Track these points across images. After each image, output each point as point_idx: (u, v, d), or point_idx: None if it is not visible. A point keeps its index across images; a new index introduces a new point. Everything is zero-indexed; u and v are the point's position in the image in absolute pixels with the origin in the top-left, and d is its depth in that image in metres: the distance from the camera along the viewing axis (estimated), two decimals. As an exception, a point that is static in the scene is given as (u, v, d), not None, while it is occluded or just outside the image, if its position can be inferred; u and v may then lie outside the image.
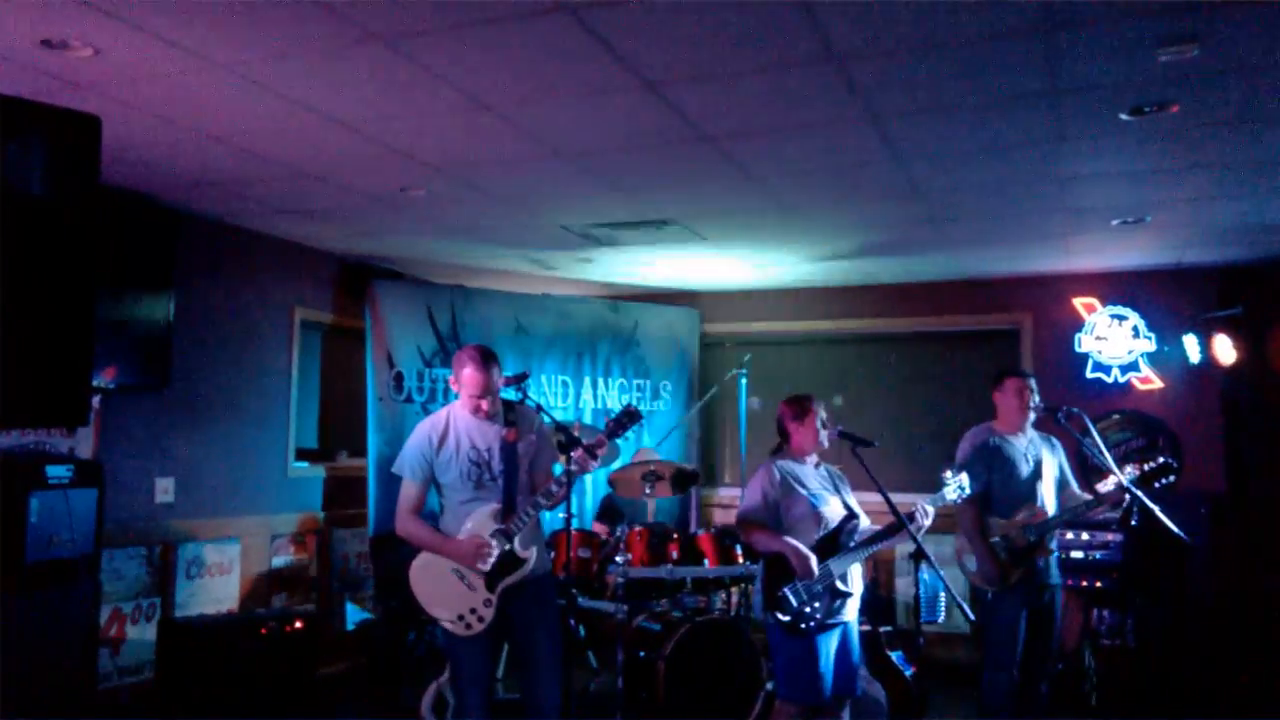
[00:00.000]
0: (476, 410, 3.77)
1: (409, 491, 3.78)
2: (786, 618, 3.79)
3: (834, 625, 3.87)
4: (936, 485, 4.05)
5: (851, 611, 3.94)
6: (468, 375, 3.73)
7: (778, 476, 3.99)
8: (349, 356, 6.69)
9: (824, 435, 4.04)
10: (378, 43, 3.15)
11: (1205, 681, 5.82)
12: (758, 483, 4.02)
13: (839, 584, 3.86)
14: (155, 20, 3.01)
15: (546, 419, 3.97)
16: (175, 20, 3.01)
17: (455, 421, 3.81)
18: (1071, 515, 4.51)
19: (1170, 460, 4.34)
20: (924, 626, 6.30)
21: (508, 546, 3.68)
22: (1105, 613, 6.00)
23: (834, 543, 3.88)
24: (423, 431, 3.81)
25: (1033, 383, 4.64)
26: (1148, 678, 5.80)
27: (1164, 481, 4.28)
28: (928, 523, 3.86)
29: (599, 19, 2.96)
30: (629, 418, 3.92)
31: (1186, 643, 5.94)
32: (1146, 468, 4.29)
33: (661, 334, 7.71)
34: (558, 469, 3.81)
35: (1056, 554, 4.59)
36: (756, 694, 4.97)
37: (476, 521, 3.72)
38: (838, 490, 4.07)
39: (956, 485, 4.01)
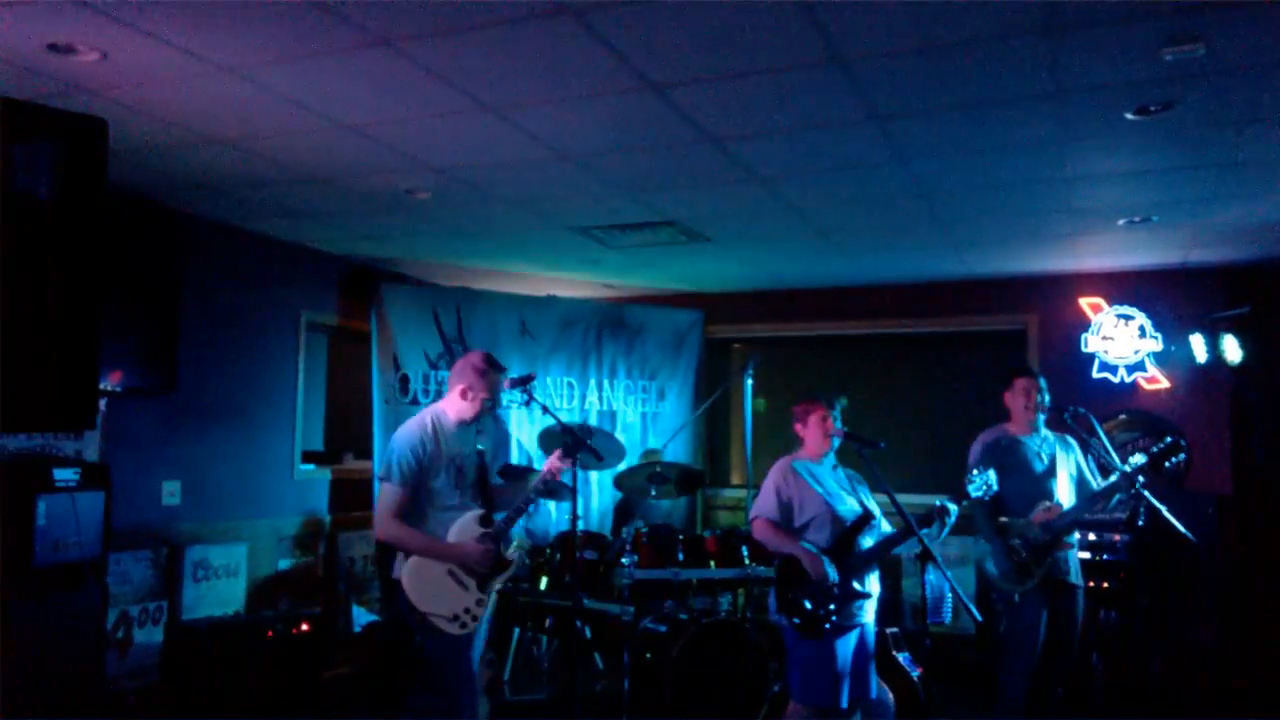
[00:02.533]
0: (476, 415, 3.82)
1: (395, 496, 3.71)
2: (799, 620, 3.77)
3: (851, 627, 3.85)
4: (953, 488, 4.02)
5: (869, 613, 3.92)
6: (491, 380, 3.81)
7: (792, 474, 3.98)
8: (355, 359, 6.70)
9: (834, 436, 4.02)
10: (382, 46, 3.16)
11: (1212, 683, 5.80)
12: (771, 481, 4.01)
13: (855, 586, 3.83)
14: (161, 24, 3.02)
15: (553, 420, 4.02)
16: (181, 24, 3.02)
17: (441, 426, 3.81)
18: (1086, 508, 4.47)
19: (1179, 439, 4.32)
20: (930, 628, 6.28)
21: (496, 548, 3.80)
22: (1112, 613, 5.97)
23: (849, 544, 3.86)
24: (413, 434, 3.76)
25: (1041, 382, 4.64)
26: (1154, 678, 5.78)
27: (1175, 460, 4.25)
28: (950, 520, 3.84)
29: (602, 21, 2.96)
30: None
31: (1193, 644, 5.92)
32: (1155, 449, 4.27)
33: (666, 336, 7.70)
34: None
35: (1075, 552, 4.56)
36: (763, 696, 4.96)
37: (462, 526, 3.75)
38: (855, 491, 4.05)
39: (982, 481, 3.97)
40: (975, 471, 3.99)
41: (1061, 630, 4.45)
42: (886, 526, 3.97)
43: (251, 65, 3.33)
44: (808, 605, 3.76)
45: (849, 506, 3.95)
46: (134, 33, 3.08)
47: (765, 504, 3.98)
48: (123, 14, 2.95)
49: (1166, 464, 4.24)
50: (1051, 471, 4.51)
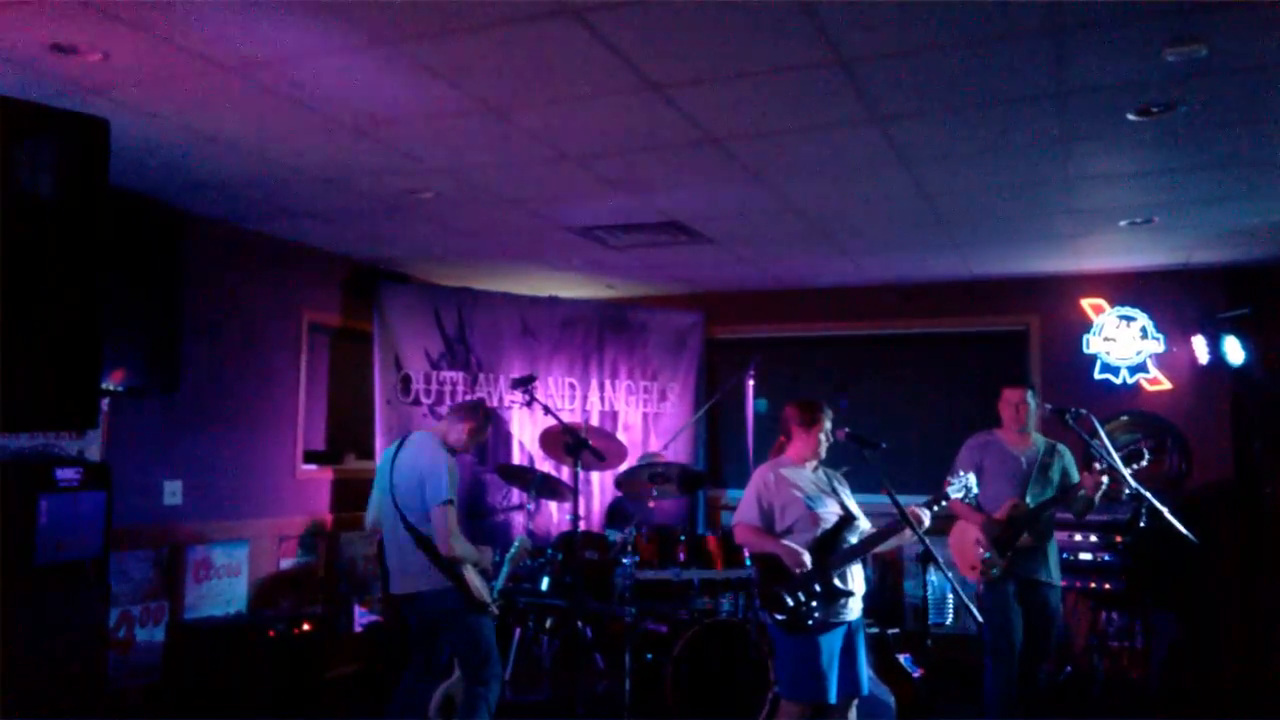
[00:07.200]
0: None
1: None
2: (782, 616, 3.79)
3: (837, 624, 3.86)
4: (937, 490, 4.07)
5: (854, 610, 3.93)
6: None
7: (773, 481, 4.00)
8: (357, 359, 6.70)
9: (824, 447, 4.05)
10: (384, 46, 3.16)
11: (1214, 683, 5.80)
12: (752, 488, 4.05)
13: (837, 582, 3.84)
14: (164, 24, 3.02)
15: (555, 420, 4.06)
16: (184, 24, 3.02)
17: None
18: (1054, 507, 4.55)
19: (1139, 447, 4.42)
20: (932, 629, 6.28)
21: None
22: (1114, 614, 5.98)
23: (831, 543, 3.88)
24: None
25: (1025, 394, 4.69)
26: (1155, 679, 5.78)
27: (1138, 466, 4.35)
28: (925, 524, 3.87)
29: (603, 21, 2.96)
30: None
31: (1195, 644, 5.92)
32: (1123, 453, 4.41)
33: (667, 336, 7.71)
34: None
35: (1055, 554, 4.62)
36: (764, 696, 4.96)
37: None
38: (835, 492, 4.06)
39: (962, 484, 4.01)
40: (959, 474, 4.06)
41: (1039, 626, 4.55)
42: (866, 525, 4.00)
43: (253, 65, 3.34)
44: (789, 600, 3.77)
45: (829, 509, 3.96)
46: (136, 32, 3.08)
47: (747, 510, 4.02)
48: (125, 14, 2.95)
49: (1132, 469, 4.33)
50: (1029, 477, 4.56)
